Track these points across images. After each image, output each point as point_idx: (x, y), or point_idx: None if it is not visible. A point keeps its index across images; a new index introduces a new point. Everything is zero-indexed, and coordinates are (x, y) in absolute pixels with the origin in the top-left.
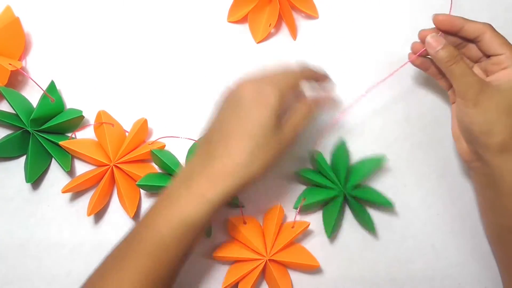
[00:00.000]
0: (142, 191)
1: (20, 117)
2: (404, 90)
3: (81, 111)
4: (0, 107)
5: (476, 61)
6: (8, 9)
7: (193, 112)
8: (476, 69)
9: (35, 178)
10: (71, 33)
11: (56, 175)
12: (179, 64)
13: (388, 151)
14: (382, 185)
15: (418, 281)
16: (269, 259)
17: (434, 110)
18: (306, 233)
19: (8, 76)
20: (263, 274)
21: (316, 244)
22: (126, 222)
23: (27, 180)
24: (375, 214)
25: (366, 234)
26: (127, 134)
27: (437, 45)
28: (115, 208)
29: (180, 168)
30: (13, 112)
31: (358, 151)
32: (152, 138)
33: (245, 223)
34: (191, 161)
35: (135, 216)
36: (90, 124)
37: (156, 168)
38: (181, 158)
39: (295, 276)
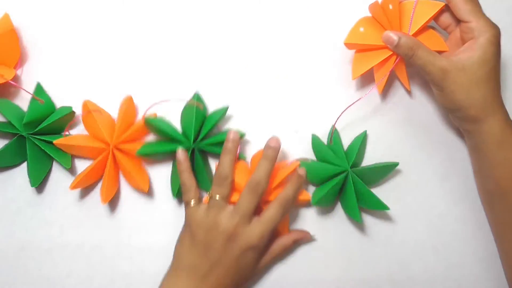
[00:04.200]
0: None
1: (13, 123)
2: (404, 91)
3: (71, 107)
4: None
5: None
6: (6, 17)
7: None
8: (456, 33)
9: (39, 181)
10: (60, 38)
11: (57, 177)
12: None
13: (390, 152)
14: (383, 187)
15: (418, 282)
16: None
17: (435, 111)
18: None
19: None
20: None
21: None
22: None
23: (32, 185)
24: (375, 215)
25: (366, 235)
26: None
27: (394, 38)
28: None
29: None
30: (5, 120)
31: None
32: (140, 116)
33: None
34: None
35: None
36: (79, 114)
37: None
38: (175, 122)
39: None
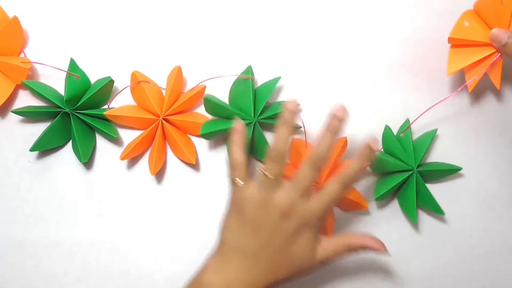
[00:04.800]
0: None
1: (54, 102)
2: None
3: (109, 77)
4: (20, 104)
5: None
6: None
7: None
8: None
9: (88, 156)
10: (61, 17)
11: (55, 174)
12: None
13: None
14: None
15: (416, 280)
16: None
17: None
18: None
19: (26, 75)
20: None
21: None
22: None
23: (82, 160)
24: (374, 215)
25: (364, 232)
26: (163, 91)
27: (503, 37)
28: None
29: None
30: (41, 104)
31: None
32: (188, 87)
33: (306, 147)
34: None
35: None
36: (125, 87)
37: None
38: (225, 98)
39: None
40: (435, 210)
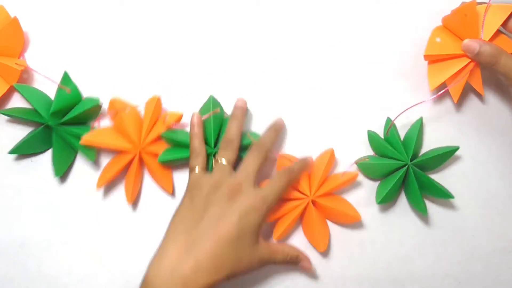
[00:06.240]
0: None
1: (40, 112)
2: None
3: (98, 99)
4: (14, 104)
5: None
6: (1, 9)
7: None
8: None
9: (63, 171)
10: (65, 23)
11: (54, 175)
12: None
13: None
14: None
15: (418, 280)
16: (312, 200)
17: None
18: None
19: (18, 76)
20: (301, 218)
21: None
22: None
23: (56, 174)
24: (377, 215)
25: (366, 234)
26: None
27: (475, 46)
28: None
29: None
30: (30, 107)
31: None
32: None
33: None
34: (171, 250)
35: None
36: (105, 115)
37: None
38: None
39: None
40: (443, 196)
